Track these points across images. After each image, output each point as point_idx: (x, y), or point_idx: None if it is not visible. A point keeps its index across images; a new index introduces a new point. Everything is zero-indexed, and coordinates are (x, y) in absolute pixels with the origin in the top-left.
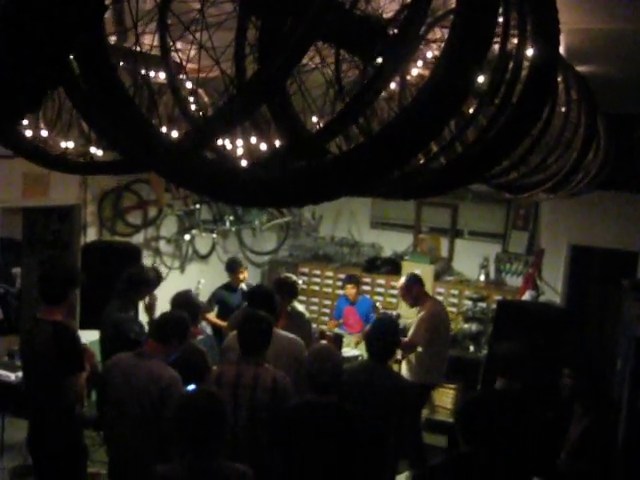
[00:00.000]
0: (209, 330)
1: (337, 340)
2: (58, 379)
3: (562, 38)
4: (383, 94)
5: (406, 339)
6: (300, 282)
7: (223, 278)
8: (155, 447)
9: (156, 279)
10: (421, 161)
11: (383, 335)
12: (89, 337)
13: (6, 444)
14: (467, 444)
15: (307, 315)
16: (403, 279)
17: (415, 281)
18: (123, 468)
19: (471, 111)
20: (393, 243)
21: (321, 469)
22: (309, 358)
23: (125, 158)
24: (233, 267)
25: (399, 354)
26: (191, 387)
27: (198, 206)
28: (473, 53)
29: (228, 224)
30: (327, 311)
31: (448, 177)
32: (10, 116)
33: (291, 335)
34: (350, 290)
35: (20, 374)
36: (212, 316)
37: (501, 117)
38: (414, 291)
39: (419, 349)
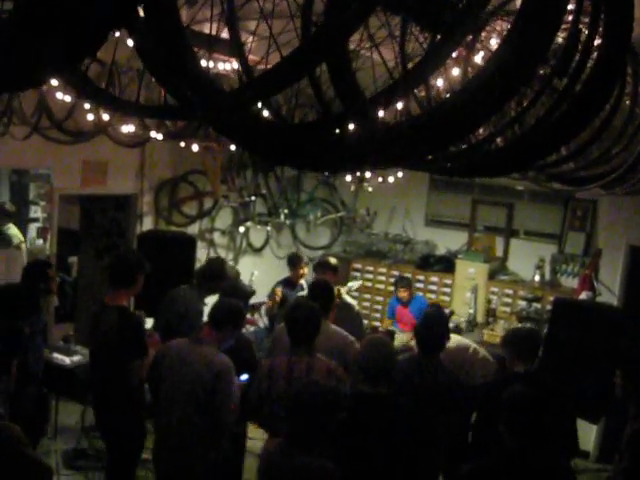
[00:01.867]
0: (262, 323)
1: (389, 336)
2: (122, 363)
3: (635, 27)
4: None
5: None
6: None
7: (276, 271)
8: (203, 432)
9: (236, 277)
10: (479, 140)
11: (432, 327)
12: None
13: (60, 427)
14: (515, 440)
15: (357, 307)
16: None
17: None
18: (171, 453)
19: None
20: (447, 241)
21: (370, 461)
22: (361, 348)
23: (181, 104)
24: (295, 262)
25: None
26: (244, 377)
27: (253, 198)
28: (542, 31)
29: (282, 217)
30: (379, 307)
31: (503, 159)
32: (72, 56)
33: (341, 331)
34: (402, 293)
35: (75, 358)
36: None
37: (563, 103)
38: None
39: None
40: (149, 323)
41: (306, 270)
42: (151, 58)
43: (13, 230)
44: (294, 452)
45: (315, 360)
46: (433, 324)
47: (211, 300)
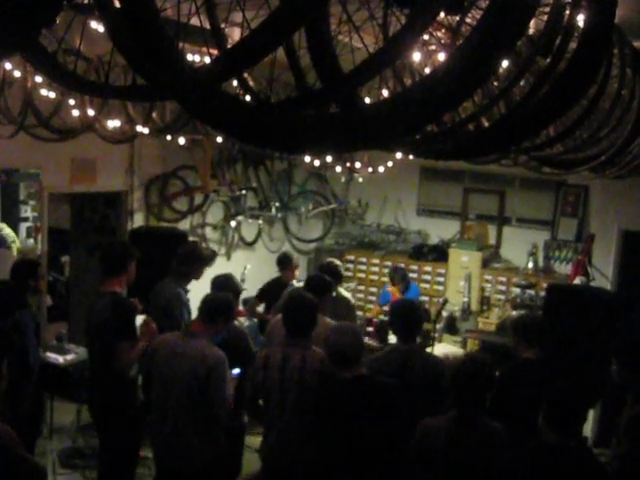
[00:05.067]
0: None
1: (382, 327)
2: (111, 345)
3: (619, 9)
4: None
5: None
6: (346, 270)
7: (268, 265)
8: (199, 427)
9: (211, 256)
10: (463, 119)
11: (403, 315)
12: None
13: (55, 427)
14: (556, 434)
15: (352, 301)
16: None
17: None
18: (167, 449)
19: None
20: (440, 230)
21: (354, 442)
22: (328, 334)
23: (150, 83)
24: (284, 262)
25: None
26: (236, 371)
27: (244, 192)
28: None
29: (274, 211)
30: (373, 299)
31: (489, 139)
32: (26, 28)
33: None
34: (396, 286)
35: (69, 357)
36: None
37: (547, 82)
38: None
39: None
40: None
41: (297, 272)
42: (120, 37)
43: (6, 230)
44: (468, 421)
45: (309, 352)
46: (404, 313)
47: (195, 287)
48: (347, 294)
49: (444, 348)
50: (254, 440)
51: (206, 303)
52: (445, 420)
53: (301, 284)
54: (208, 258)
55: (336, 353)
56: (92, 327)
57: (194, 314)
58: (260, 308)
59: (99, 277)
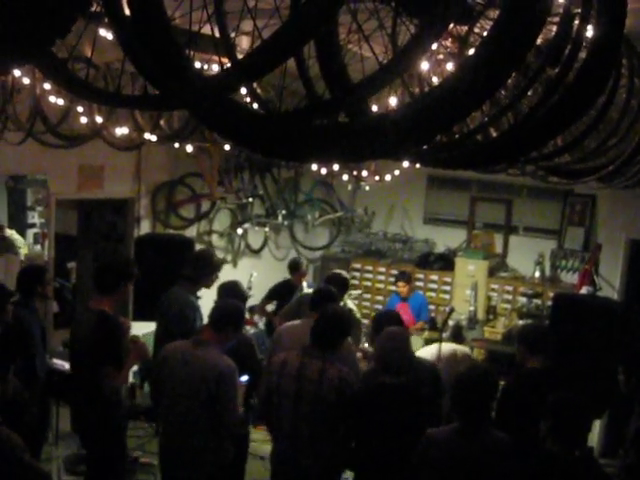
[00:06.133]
0: (262, 325)
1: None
2: (95, 367)
3: (628, 19)
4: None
5: None
6: (352, 279)
7: (275, 272)
8: (207, 435)
9: (220, 263)
10: (472, 129)
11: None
12: (142, 329)
13: (61, 433)
14: (560, 445)
15: (358, 313)
16: None
17: None
18: (175, 457)
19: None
20: (446, 239)
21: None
22: (379, 340)
23: (160, 92)
24: (296, 267)
25: None
26: (244, 378)
27: (251, 200)
28: (530, 17)
29: (280, 218)
30: (379, 307)
31: (497, 149)
32: (40, 40)
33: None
34: (402, 288)
35: None
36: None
37: (555, 93)
38: None
39: None
40: (140, 329)
41: (306, 277)
42: (130, 46)
43: (15, 236)
44: (471, 431)
45: (329, 364)
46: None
47: (202, 294)
48: (353, 306)
49: (450, 346)
50: (259, 447)
51: (216, 311)
52: (449, 431)
53: (310, 290)
54: (219, 265)
55: (380, 358)
56: (76, 343)
57: (204, 321)
58: (269, 307)
59: None
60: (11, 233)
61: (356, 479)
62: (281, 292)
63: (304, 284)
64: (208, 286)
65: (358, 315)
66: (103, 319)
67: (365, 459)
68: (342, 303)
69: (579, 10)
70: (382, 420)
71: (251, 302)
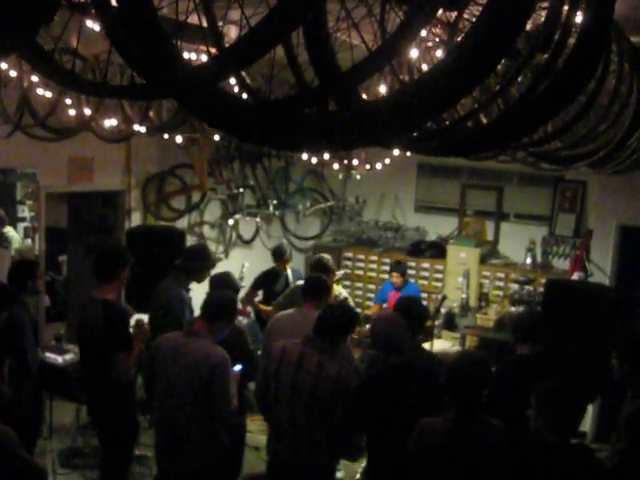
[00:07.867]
0: (253, 315)
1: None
2: (106, 356)
3: (617, 4)
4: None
5: None
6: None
7: (267, 263)
8: (202, 426)
9: (215, 261)
10: (462, 116)
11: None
12: (134, 320)
13: (54, 427)
14: (556, 433)
15: (351, 301)
16: None
17: None
18: (170, 448)
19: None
20: (438, 226)
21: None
22: (373, 326)
23: (147, 81)
24: (280, 254)
25: None
26: (237, 367)
27: (242, 190)
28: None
29: (271, 208)
30: (371, 295)
31: (487, 135)
32: (24, 27)
33: None
34: (396, 279)
35: (67, 357)
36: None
37: (545, 78)
38: None
39: None
40: (132, 320)
41: (291, 259)
42: (117, 36)
43: (12, 232)
44: (466, 419)
45: (327, 357)
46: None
47: (195, 286)
48: (346, 294)
49: (442, 345)
50: (254, 438)
51: (209, 302)
52: (443, 420)
53: (300, 282)
54: (213, 259)
55: (379, 341)
56: (84, 335)
57: (196, 313)
58: (257, 298)
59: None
60: (8, 230)
61: (369, 468)
62: (266, 280)
63: (288, 271)
64: (199, 281)
65: (352, 303)
66: (110, 308)
67: (380, 445)
68: (336, 292)
69: None
70: (398, 400)
71: (244, 293)
